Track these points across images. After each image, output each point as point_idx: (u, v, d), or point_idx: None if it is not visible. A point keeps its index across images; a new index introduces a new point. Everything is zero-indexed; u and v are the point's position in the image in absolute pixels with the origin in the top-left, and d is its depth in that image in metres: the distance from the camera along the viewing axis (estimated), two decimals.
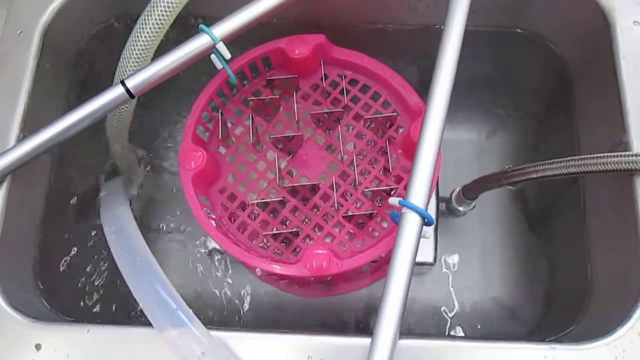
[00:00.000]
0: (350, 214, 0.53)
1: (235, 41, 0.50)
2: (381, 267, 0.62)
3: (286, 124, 0.59)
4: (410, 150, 0.54)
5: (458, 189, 0.63)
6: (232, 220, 0.56)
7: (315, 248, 0.50)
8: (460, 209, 0.63)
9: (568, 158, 0.46)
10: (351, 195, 0.55)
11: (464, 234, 0.68)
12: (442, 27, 0.62)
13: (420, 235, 0.44)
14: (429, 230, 0.64)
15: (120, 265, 0.46)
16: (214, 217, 0.54)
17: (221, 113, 0.56)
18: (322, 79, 0.59)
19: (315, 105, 0.59)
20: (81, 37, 0.60)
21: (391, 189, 0.54)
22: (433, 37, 0.62)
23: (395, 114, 0.55)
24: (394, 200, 0.45)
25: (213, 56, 0.55)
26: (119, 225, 0.50)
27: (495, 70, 0.64)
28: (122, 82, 0.49)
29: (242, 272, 0.68)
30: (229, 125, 0.59)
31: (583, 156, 0.45)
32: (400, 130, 0.57)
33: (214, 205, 0.56)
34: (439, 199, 0.65)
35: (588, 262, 0.52)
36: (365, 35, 0.63)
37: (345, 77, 0.58)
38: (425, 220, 0.44)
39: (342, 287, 0.61)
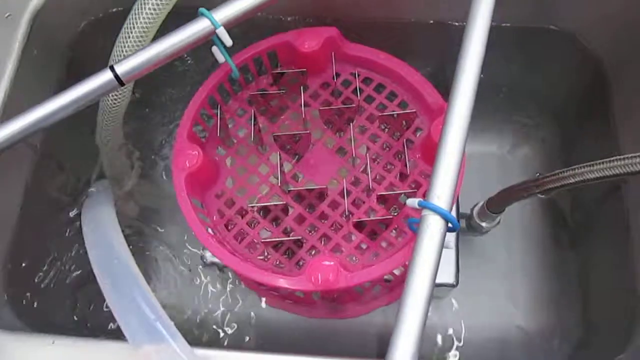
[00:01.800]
0: (361, 221, 0.46)
1: (239, 39, 0.46)
2: (396, 287, 0.55)
3: (293, 124, 0.54)
4: (431, 153, 0.49)
5: (481, 203, 0.57)
6: (229, 228, 0.50)
7: (322, 259, 0.43)
8: (484, 224, 0.57)
9: (612, 158, 0.40)
10: (363, 203, 0.49)
11: (487, 254, 0.61)
12: (460, 23, 0.58)
13: (443, 242, 0.37)
14: (452, 240, 0.58)
15: (94, 267, 0.40)
16: (208, 222, 0.48)
17: (221, 110, 0.51)
18: (333, 77, 0.54)
19: (324, 106, 0.54)
20: (76, 26, 0.56)
21: (408, 196, 0.48)
22: (450, 35, 0.58)
23: (414, 111, 0.49)
24: (412, 202, 0.39)
25: (214, 48, 0.50)
26: (98, 223, 0.44)
27: (519, 72, 0.59)
28: (111, 68, 0.44)
29: (242, 290, 0.62)
30: (230, 125, 0.54)
31: (632, 154, 0.39)
32: (419, 133, 0.52)
33: (210, 211, 0.50)
34: (459, 215, 0.59)
35: (635, 282, 0.45)
36: (377, 32, 0.58)
37: (358, 75, 0.53)
38: (450, 224, 0.38)
39: (351, 309, 0.55)
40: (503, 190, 0.51)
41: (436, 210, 0.37)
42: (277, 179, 0.50)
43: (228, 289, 0.62)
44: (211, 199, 0.51)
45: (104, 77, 0.44)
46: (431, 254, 0.36)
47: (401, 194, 0.47)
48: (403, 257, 0.44)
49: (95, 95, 0.44)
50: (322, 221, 0.49)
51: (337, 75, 0.54)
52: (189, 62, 0.60)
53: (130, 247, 0.45)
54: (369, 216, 0.48)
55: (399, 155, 0.51)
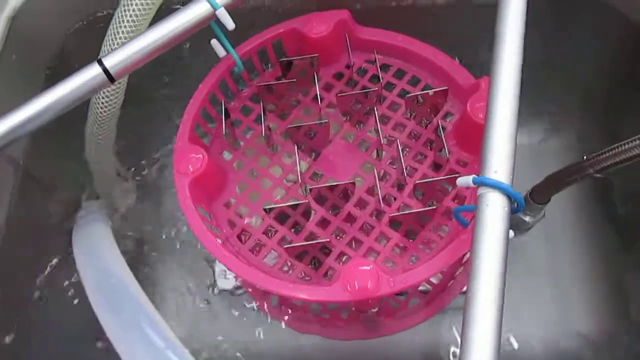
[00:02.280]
0: (395, 217, 0.40)
1: (241, 32, 0.40)
2: (435, 298, 0.48)
3: (306, 120, 0.48)
4: (469, 136, 0.43)
5: (524, 194, 0.50)
6: (243, 240, 0.43)
7: (357, 264, 0.37)
8: (527, 219, 0.51)
9: None
10: (395, 199, 0.43)
11: (529, 254, 0.55)
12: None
13: (509, 226, 0.31)
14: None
15: (88, 291, 0.33)
16: (219, 234, 0.42)
17: (225, 109, 0.45)
18: (347, 66, 0.48)
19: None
20: (61, 32, 0.50)
21: (447, 186, 0.42)
22: (470, 15, 0.52)
23: (446, 88, 0.43)
24: (465, 180, 0.33)
25: (214, 41, 0.45)
26: (91, 243, 0.38)
27: (550, 47, 0.53)
28: (99, 61, 0.38)
29: (259, 318, 0.55)
30: (235, 127, 0.48)
31: None
32: (450, 118, 0.46)
33: (219, 223, 0.44)
34: None
35: None
36: (390, 16, 0.53)
37: (376, 61, 0.48)
38: (515, 202, 0.31)
39: (388, 326, 0.48)
40: (552, 175, 0.45)
41: (497, 186, 0.31)
42: (293, 180, 0.44)
43: (245, 317, 0.54)
44: (219, 209, 0.44)
45: (92, 72, 0.38)
46: (496, 240, 0.30)
47: (439, 180, 0.40)
48: (451, 254, 0.37)
49: (82, 94, 0.38)
50: (350, 224, 0.42)
51: (351, 64, 0.48)
52: (185, 56, 0.54)
53: None
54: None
55: (430, 144, 0.45)
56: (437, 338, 0.52)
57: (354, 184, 0.40)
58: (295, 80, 0.47)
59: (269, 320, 0.52)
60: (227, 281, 0.53)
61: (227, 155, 0.47)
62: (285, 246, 0.39)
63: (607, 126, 0.56)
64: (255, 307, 0.52)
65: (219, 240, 0.40)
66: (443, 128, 0.44)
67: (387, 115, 0.47)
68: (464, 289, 0.47)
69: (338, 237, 0.42)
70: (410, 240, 0.41)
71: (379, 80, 0.46)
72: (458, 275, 0.47)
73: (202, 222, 0.40)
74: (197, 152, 0.42)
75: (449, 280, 0.47)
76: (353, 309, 0.44)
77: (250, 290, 0.51)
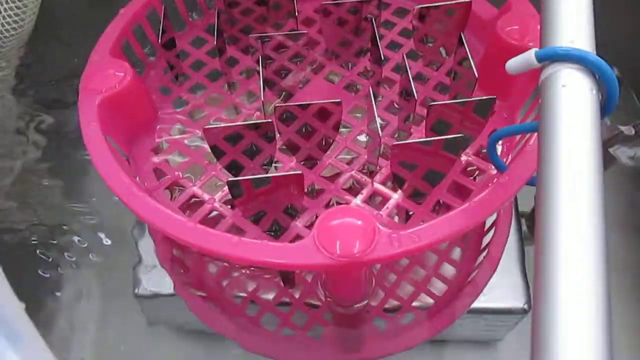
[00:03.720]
0: (398, 149, 0.27)
1: None
2: (439, 312, 0.34)
3: (277, 58, 0.36)
4: (495, 77, 0.31)
5: None
6: (173, 197, 0.30)
7: (339, 212, 0.24)
8: None
9: None
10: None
11: None
12: None
13: (600, 124, 0.19)
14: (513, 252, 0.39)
15: None
16: (138, 183, 0.28)
17: (171, 38, 0.33)
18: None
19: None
20: None
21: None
22: None
23: (469, 0, 0.32)
24: (522, 60, 0.21)
25: None
26: None
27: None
28: None
29: (200, 335, 0.40)
30: (181, 59, 0.35)
31: None
32: (465, 64, 0.34)
33: (140, 172, 0.30)
34: (519, 215, 0.40)
35: None
36: None
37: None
38: (604, 81, 0.19)
39: (372, 348, 0.33)
40: None
41: (579, 57, 0.19)
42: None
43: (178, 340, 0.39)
44: (143, 153, 0.31)
45: None
46: (586, 150, 0.17)
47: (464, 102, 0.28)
48: (483, 207, 0.24)
49: None
50: (331, 181, 0.30)
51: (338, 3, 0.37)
52: None
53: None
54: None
55: (443, 90, 0.34)
56: None
57: (339, 104, 0.28)
58: (267, 3, 0.36)
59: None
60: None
61: (166, 90, 0.34)
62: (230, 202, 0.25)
63: None
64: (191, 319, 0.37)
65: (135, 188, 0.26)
66: (456, 73, 0.32)
67: (385, 56, 0.35)
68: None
69: (313, 198, 0.29)
70: (419, 205, 0.28)
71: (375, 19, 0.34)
72: (475, 275, 0.34)
73: (111, 154, 0.27)
74: (120, 67, 0.30)
75: (463, 281, 0.33)
76: (330, 315, 0.30)
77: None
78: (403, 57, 0.30)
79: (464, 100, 0.27)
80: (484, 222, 0.37)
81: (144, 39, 0.34)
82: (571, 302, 0.14)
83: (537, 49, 0.20)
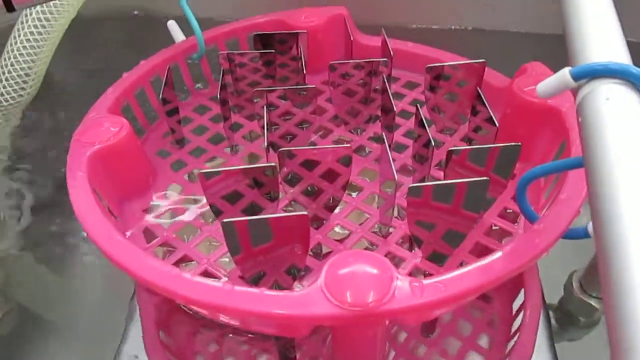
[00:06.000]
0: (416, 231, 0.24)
1: None
2: None
3: (283, 124, 0.34)
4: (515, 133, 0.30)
5: (583, 269, 0.35)
6: (163, 257, 0.27)
7: (350, 261, 0.20)
8: (592, 302, 0.34)
9: None
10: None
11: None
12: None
13: None
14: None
15: None
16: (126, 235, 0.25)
17: (170, 92, 0.32)
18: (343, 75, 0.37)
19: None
20: None
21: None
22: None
23: (482, 61, 0.31)
24: (555, 81, 0.19)
25: (171, 23, 0.34)
26: None
27: None
28: None
29: None
30: (183, 125, 0.34)
31: None
32: (481, 133, 0.33)
33: (130, 229, 0.27)
34: (547, 308, 0.36)
35: None
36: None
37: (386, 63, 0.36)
38: None
39: None
40: None
41: (620, 71, 0.17)
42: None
43: None
44: (134, 213, 0.28)
45: None
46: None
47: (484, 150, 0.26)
48: (522, 252, 0.21)
49: None
50: (340, 242, 0.26)
51: (347, 75, 0.37)
52: None
53: None
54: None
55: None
56: None
57: (349, 148, 0.25)
58: (274, 77, 0.35)
59: None
60: None
61: (164, 154, 0.32)
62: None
63: None
64: None
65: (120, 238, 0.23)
66: (475, 132, 0.31)
67: (396, 124, 0.33)
68: None
69: (319, 259, 0.26)
70: (439, 266, 0.25)
71: (386, 89, 0.34)
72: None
73: (97, 204, 0.24)
74: (116, 122, 0.28)
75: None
76: None
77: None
78: (417, 118, 0.28)
79: (488, 146, 0.24)
80: (512, 308, 0.33)
81: (146, 103, 0.33)
82: None
83: (571, 68, 0.18)
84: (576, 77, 0.18)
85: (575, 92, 0.18)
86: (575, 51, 0.19)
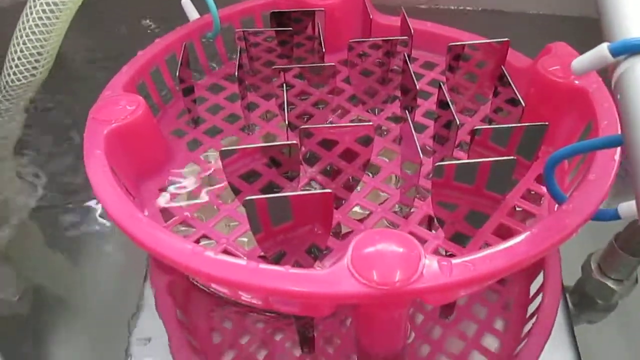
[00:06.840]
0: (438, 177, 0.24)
1: None
2: None
3: (300, 104, 0.34)
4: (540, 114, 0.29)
5: (601, 250, 0.34)
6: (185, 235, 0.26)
7: (377, 239, 0.20)
8: (612, 284, 0.34)
9: None
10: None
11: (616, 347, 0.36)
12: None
13: None
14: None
15: None
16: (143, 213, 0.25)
17: (185, 72, 0.32)
18: (360, 55, 0.36)
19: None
20: None
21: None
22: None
23: (506, 40, 0.30)
24: (592, 58, 0.18)
25: (185, 1, 0.34)
26: None
27: None
28: None
29: None
30: (198, 104, 0.34)
31: None
32: (501, 114, 0.32)
33: (147, 209, 0.27)
34: (564, 291, 0.36)
35: None
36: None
37: (405, 42, 0.35)
38: None
39: None
40: None
41: None
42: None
43: None
44: (150, 193, 0.28)
45: None
46: None
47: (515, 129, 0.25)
48: (552, 233, 0.20)
49: None
50: (361, 222, 0.26)
51: (365, 54, 0.36)
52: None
53: None
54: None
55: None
56: None
57: (370, 127, 0.25)
58: (290, 57, 0.35)
59: None
60: None
61: (180, 132, 0.32)
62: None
63: None
64: None
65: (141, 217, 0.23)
66: (499, 109, 0.30)
67: (413, 105, 0.33)
68: None
69: (339, 239, 0.25)
70: (462, 246, 0.25)
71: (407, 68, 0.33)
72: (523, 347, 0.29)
73: (116, 181, 0.24)
74: (132, 101, 0.28)
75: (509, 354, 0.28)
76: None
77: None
78: (439, 98, 0.27)
79: (513, 125, 0.24)
80: (529, 290, 0.33)
81: (161, 82, 0.33)
82: None
83: (609, 43, 0.17)
84: (615, 52, 0.17)
85: (613, 68, 0.18)
86: (612, 27, 0.18)
